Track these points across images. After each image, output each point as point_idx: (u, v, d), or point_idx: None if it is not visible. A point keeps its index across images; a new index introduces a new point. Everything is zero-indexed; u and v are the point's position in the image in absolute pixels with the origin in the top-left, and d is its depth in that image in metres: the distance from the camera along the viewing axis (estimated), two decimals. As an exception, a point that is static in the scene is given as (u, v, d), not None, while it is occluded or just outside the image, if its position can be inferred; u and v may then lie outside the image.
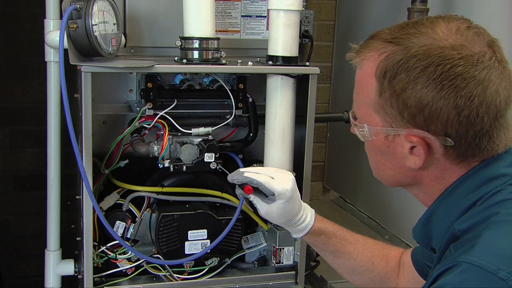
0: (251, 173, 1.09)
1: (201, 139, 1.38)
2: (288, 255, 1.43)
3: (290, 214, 1.13)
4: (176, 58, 1.33)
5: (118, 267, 1.39)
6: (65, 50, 1.18)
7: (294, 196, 1.12)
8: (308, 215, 1.17)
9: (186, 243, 1.38)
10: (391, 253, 1.19)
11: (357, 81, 0.91)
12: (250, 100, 1.45)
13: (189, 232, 1.38)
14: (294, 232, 1.18)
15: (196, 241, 1.39)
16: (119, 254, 1.38)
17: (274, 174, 1.12)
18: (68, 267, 1.53)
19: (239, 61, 1.34)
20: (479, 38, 0.83)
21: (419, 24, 0.85)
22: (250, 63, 1.33)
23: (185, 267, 1.42)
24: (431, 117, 0.81)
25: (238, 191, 1.19)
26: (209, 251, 1.36)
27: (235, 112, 1.42)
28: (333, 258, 1.20)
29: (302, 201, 1.18)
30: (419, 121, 0.83)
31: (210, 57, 1.30)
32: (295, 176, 1.20)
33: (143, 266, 1.40)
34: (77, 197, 1.44)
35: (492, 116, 0.81)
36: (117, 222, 1.38)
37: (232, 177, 1.11)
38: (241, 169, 1.12)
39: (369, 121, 0.89)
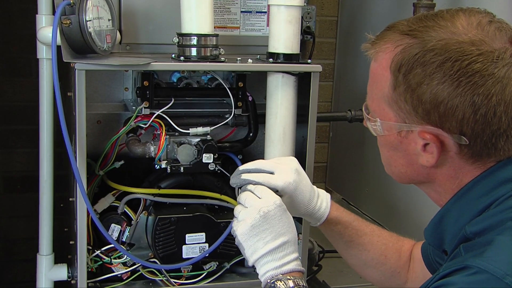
0: (249, 174, 1.09)
1: (199, 139, 1.38)
2: (289, 260, 1.44)
3: (302, 204, 1.11)
4: (173, 56, 1.33)
5: (113, 272, 1.39)
6: (58, 47, 1.18)
7: (299, 186, 1.09)
8: (323, 202, 1.15)
9: (184, 247, 1.39)
10: (404, 246, 1.19)
11: (371, 74, 0.91)
12: (250, 98, 1.45)
13: (187, 235, 1.39)
14: (312, 220, 1.15)
15: (194, 245, 1.39)
16: (114, 258, 1.38)
17: (274, 167, 1.09)
18: (61, 272, 1.53)
19: (238, 58, 1.34)
20: (500, 34, 0.82)
21: (438, 17, 0.85)
22: (250, 60, 1.33)
23: (182, 271, 1.42)
24: (446, 114, 0.82)
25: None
26: (207, 255, 1.36)
27: (234, 111, 1.42)
28: (346, 249, 1.19)
29: (315, 187, 1.15)
30: (434, 118, 0.83)
31: (208, 54, 1.31)
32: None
33: (139, 270, 1.40)
34: (70, 199, 1.44)
35: (511, 115, 0.81)
36: (112, 225, 1.38)
37: (231, 181, 1.10)
38: (240, 168, 1.10)
39: (382, 116, 0.90)
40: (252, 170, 1.09)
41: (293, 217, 1.35)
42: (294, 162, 1.13)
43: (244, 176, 1.08)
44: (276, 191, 1.07)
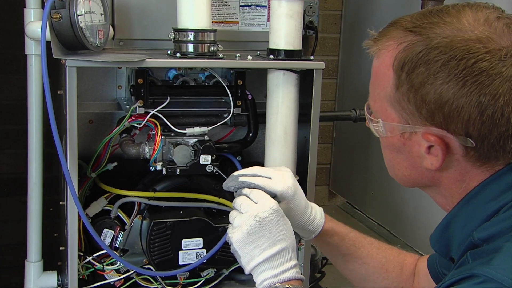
0: (247, 176, 1.10)
1: (196, 139, 1.38)
2: (291, 266, 1.44)
3: (297, 213, 1.13)
4: (169, 52, 1.34)
5: (106, 279, 1.39)
6: (48, 43, 1.19)
7: (297, 192, 1.12)
8: (317, 213, 1.17)
9: (180, 252, 1.39)
10: (406, 260, 1.20)
11: (373, 72, 0.92)
12: (250, 97, 1.46)
13: (183, 240, 1.39)
14: (306, 233, 1.17)
15: (191, 251, 1.40)
16: (107, 265, 1.39)
17: (271, 173, 1.11)
18: (51, 280, 1.54)
19: (237, 55, 1.35)
20: (509, 30, 0.83)
21: (444, 13, 0.85)
22: (249, 57, 1.34)
23: (178, 279, 1.43)
24: (451, 115, 0.82)
25: None
26: (205, 261, 1.37)
27: (233, 110, 1.43)
28: (344, 263, 1.21)
29: (306, 199, 1.17)
30: (438, 119, 0.83)
31: (206, 50, 1.31)
32: (298, 180, 1.20)
33: (133, 278, 1.41)
34: (60, 202, 1.44)
35: None
36: (105, 230, 1.39)
37: (227, 184, 1.11)
38: (235, 173, 1.12)
39: (385, 116, 0.90)
40: (248, 175, 1.11)
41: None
42: (289, 170, 1.16)
43: (242, 179, 1.08)
44: (274, 196, 1.09)
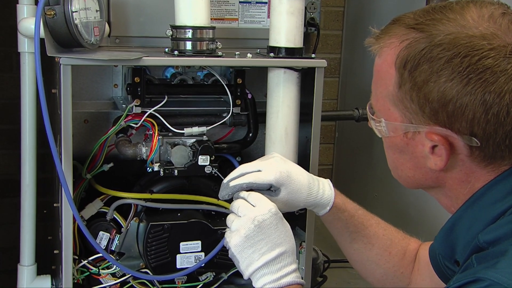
0: (236, 179, 1.10)
1: (194, 139, 1.39)
2: (291, 270, 1.44)
3: (302, 192, 1.12)
4: (166, 50, 1.34)
5: (101, 284, 1.39)
6: (42, 40, 1.19)
7: (292, 174, 1.12)
8: (325, 185, 1.17)
9: (178, 256, 1.40)
10: (410, 245, 1.21)
11: (375, 71, 0.92)
12: (249, 96, 1.46)
13: (181, 243, 1.39)
14: (320, 208, 1.17)
15: (189, 254, 1.40)
16: (103, 268, 1.39)
17: (259, 165, 1.12)
18: (44, 284, 1.54)
19: (237, 52, 1.35)
20: None
21: (447, 9, 0.86)
22: (249, 55, 1.34)
23: (176, 283, 1.43)
24: (455, 114, 0.82)
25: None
26: (203, 265, 1.37)
27: (232, 109, 1.43)
28: (350, 242, 1.21)
29: (312, 175, 1.17)
30: (442, 118, 0.84)
31: (204, 48, 1.31)
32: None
33: (129, 282, 1.41)
34: (55, 204, 1.44)
35: None
36: (101, 232, 1.39)
37: (221, 194, 1.12)
38: (225, 180, 1.12)
39: (387, 116, 0.91)
40: (237, 176, 1.11)
41: (297, 222, 1.36)
42: (276, 155, 1.17)
43: (233, 183, 1.09)
44: (270, 186, 1.09)
